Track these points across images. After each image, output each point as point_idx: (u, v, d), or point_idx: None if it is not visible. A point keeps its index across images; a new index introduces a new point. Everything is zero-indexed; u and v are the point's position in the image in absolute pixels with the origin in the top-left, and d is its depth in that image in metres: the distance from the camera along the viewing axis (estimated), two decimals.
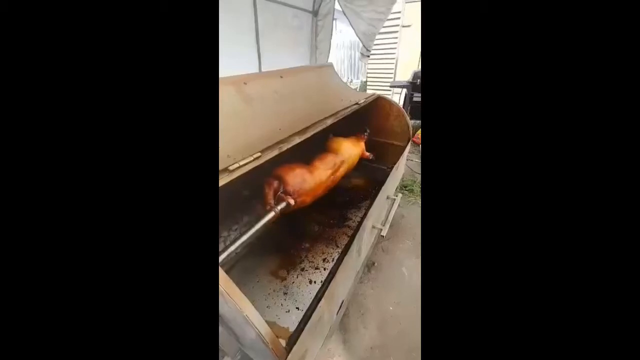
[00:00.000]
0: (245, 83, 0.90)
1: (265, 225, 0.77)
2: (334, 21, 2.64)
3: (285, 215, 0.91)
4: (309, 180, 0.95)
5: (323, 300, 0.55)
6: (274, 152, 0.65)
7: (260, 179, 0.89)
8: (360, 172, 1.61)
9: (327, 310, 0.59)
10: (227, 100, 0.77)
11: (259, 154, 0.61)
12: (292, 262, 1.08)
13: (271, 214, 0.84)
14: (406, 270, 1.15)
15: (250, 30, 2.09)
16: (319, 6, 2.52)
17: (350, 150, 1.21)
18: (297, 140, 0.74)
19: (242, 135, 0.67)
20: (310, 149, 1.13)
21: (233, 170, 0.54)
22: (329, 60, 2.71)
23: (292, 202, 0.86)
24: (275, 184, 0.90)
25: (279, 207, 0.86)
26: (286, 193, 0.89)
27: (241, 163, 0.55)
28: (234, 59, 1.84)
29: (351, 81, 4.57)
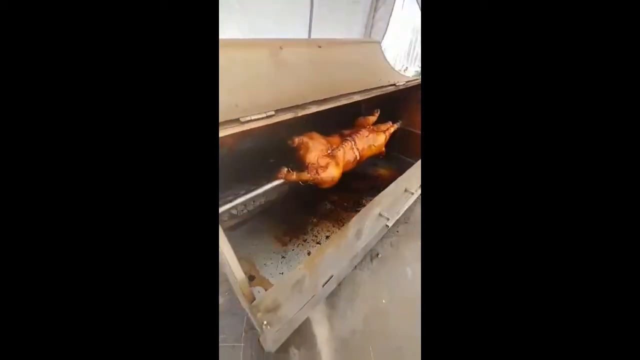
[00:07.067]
0: (281, 48, 0.90)
1: (278, 191, 0.78)
2: None
3: (304, 183, 0.93)
4: (325, 152, 0.94)
5: (303, 264, 0.56)
6: (288, 115, 0.66)
7: (284, 145, 0.91)
8: (390, 162, 1.54)
9: (308, 276, 0.60)
10: (257, 62, 0.78)
11: (273, 112, 0.62)
12: (296, 233, 1.12)
13: (279, 181, 0.87)
14: (410, 271, 1.09)
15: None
16: None
17: (373, 137, 1.15)
18: (315, 109, 0.73)
19: (260, 92, 0.69)
20: (335, 122, 1.10)
21: (244, 123, 0.56)
22: (384, 42, 2.53)
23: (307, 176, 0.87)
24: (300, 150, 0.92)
25: (292, 175, 0.88)
26: (303, 161, 0.91)
27: (252, 117, 0.57)
28: (282, 26, 1.82)
29: (406, 69, 4.23)
